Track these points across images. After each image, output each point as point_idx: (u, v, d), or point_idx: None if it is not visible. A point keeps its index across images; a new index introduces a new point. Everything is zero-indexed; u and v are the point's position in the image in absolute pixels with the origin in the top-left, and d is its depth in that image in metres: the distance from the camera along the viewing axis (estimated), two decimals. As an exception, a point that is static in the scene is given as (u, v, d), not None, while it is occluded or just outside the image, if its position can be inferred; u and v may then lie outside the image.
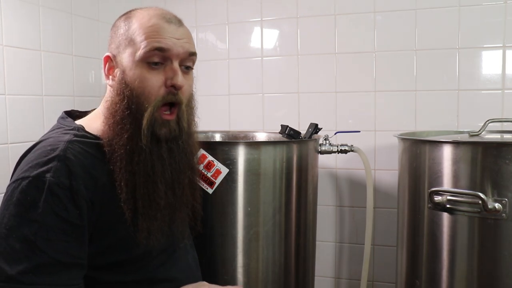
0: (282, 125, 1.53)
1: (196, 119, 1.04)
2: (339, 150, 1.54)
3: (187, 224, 1.09)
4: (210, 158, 1.27)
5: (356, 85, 1.83)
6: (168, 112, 0.94)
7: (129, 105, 0.91)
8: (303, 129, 1.56)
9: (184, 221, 1.06)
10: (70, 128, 0.96)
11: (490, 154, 1.13)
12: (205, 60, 2.00)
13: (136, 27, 0.93)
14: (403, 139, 1.41)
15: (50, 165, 0.85)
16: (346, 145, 1.56)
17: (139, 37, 0.92)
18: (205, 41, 2.02)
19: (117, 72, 0.95)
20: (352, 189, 1.88)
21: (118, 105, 0.93)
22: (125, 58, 0.93)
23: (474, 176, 1.16)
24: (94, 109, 1.05)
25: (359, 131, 1.73)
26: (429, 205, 1.25)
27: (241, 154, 1.30)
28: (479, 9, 1.67)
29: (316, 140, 1.51)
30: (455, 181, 1.19)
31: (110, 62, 0.97)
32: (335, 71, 1.85)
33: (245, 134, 1.78)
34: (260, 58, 1.96)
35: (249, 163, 1.30)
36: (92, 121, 1.00)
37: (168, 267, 1.01)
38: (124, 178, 0.90)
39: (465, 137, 1.37)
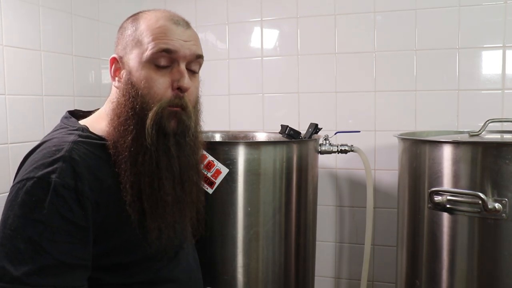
0: (282, 125, 1.53)
1: (201, 122, 1.03)
2: (339, 150, 1.55)
3: (188, 225, 1.08)
4: (210, 158, 1.27)
5: (356, 85, 1.83)
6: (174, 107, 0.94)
7: (134, 105, 0.91)
8: (303, 129, 1.56)
9: (190, 221, 1.05)
10: (75, 128, 0.95)
11: (490, 154, 1.13)
12: (205, 60, 1.97)
13: (144, 29, 0.93)
14: (403, 139, 1.41)
15: (55, 166, 0.84)
16: (346, 145, 1.56)
17: (146, 38, 0.92)
18: (205, 41, 2.02)
19: (124, 73, 0.94)
20: (352, 189, 1.88)
21: (123, 106, 0.92)
22: (132, 59, 0.93)
23: (474, 176, 1.16)
24: (97, 109, 1.05)
25: (359, 131, 1.73)
26: (429, 205, 1.25)
27: (241, 154, 1.30)
28: (479, 9, 1.67)
29: (316, 140, 1.51)
30: (455, 181, 1.19)
31: (117, 63, 0.97)
32: (335, 71, 1.85)
33: (245, 134, 1.78)
34: (260, 58, 1.96)
35: (249, 163, 1.30)
36: (96, 121, 0.99)
37: (171, 268, 1.00)
38: (129, 180, 0.90)
39: (465, 137, 1.37)
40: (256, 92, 1.97)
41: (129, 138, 0.90)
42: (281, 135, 1.54)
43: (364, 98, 1.82)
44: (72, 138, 0.91)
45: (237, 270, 1.32)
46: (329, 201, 1.91)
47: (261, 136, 1.76)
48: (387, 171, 1.80)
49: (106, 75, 1.85)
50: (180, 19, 0.96)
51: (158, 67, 0.92)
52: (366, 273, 1.63)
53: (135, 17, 0.98)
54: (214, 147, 1.30)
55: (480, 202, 1.12)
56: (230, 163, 1.28)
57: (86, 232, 0.86)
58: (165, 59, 0.92)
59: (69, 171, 0.85)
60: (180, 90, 0.92)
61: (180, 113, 0.93)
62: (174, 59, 0.93)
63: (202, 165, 1.26)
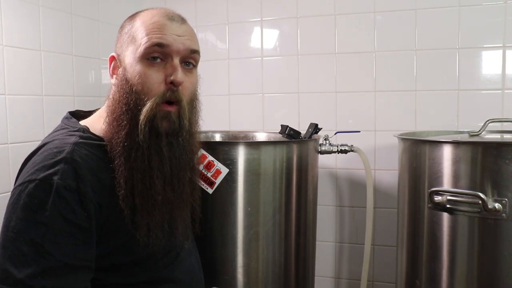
0: (282, 125, 1.53)
1: (199, 120, 1.03)
2: (339, 150, 1.54)
3: (189, 224, 1.08)
4: (210, 158, 1.27)
5: (356, 85, 1.83)
6: (168, 105, 0.93)
7: (128, 101, 0.91)
8: (303, 129, 1.56)
9: (186, 221, 1.05)
10: (75, 129, 0.95)
11: (490, 154, 1.13)
12: (205, 60, 1.97)
13: (139, 25, 0.94)
14: (403, 139, 1.41)
15: (57, 168, 0.84)
16: (346, 145, 1.56)
17: (140, 34, 0.92)
18: (205, 41, 2.02)
19: (120, 70, 0.95)
20: (352, 189, 1.88)
21: (117, 102, 0.93)
22: (128, 56, 0.94)
23: (474, 176, 1.16)
24: (98, 109, 1.05)
25: (359, 131, 1.73)
26: (429, 205, 1.25)
27: (241, 154, 1.30)
28: (479, 9, 1.67)
29: (316, 140, 1.51)
30: (455, 181, 1.19)
31: (115, 61, 0.98)
32: (335, 71, 1.85)
33: (245, 134, 1.78)
34: (260, 58, 1.96)
35: (249, 163, 1.30)
36: (96, 121, 1.00)
37: (173, 268, 1.00)
38: (123, 175, 0.90)
39: (465, 137, 1.37)
40: (256, 92, 1.97)
41: (123, 133, 0.91)
42: (281, 135, 1.54)
43: (364, 98, 1.82)
44: (73, 139, 0.91)
45: (237, 270, 1.32)
46: (329, 201, 1.91)
47: (261, 136, 1.76)
48: (387, 171, 1.80)
49: (106, 75, 1.85)
50: (175, 15, 0.97)
51: (152, 63, 0.92)
52: (366, 273, 1.63)
53: (133, 16, 0.99)
54: (214, 147, 1.30)
55: (480, 202, 1.12)
56: (230, 163, 1.28)
57: (88, 233, 0.86)
58: (158, 53, 0.92)
59: (71, 172, 0.85)
60: (173, 84, 0.91)
61: (174, 113, 0.93)
62: (168, 54, 0.92)
63: (202, 165, 1.26)
